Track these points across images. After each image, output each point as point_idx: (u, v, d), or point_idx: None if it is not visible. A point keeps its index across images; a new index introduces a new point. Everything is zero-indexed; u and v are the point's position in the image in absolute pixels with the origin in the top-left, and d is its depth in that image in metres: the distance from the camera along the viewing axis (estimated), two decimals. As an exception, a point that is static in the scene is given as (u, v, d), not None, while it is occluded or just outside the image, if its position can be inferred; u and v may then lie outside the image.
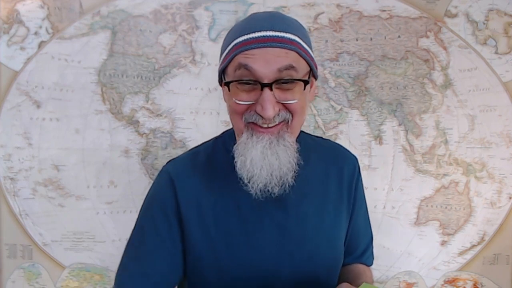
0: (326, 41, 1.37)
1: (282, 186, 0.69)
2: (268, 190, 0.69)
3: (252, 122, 0.68)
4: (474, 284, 1.42)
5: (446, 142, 1.38)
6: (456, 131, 1.38)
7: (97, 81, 1.33)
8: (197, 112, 1.36)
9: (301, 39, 0.68)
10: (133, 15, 1.33)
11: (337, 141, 1.38)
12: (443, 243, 1.40)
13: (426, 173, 1.39)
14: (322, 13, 1.36)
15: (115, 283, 0.77)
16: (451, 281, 1.42)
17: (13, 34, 1.30)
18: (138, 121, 1.34)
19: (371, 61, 1.37)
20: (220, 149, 0.79)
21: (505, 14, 1.36)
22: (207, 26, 1.34)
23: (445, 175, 1.39)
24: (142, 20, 1.33)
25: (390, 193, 1.39)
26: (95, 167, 1.33)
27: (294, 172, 0.70)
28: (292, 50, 0.66)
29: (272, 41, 0.65)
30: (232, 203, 0.74)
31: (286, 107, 0.67)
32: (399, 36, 1.37)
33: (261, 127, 0.67)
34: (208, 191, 0.74)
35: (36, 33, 1.31)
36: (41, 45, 1.31)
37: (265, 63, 0.64)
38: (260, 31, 0.66)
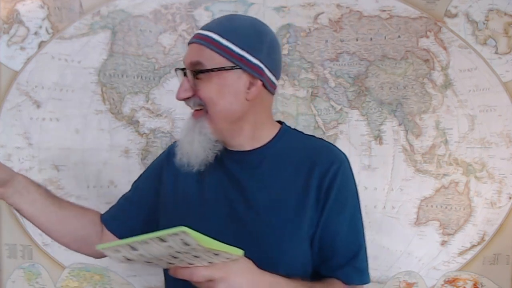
0: (326, 41, 1.37)
1: (201, 164, 0.80)
2: (190, 167, 0.80)
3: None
4: (474, 284, 1.42)
5: (446, 142, 1.38)
6: (456, 131, 1.38)
7: (97, 81, 1.33)
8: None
9: (224, 38, 0.75)
10: (133, 15, 1.33)
11: (337, 141, 1.38)
12: (443, 243, 1.40)
13: (426, 173, 1.39)
14: (322, 13, 1.36)
15: None
16: (451, 281, 1.42)
17: (13, 34, 1.30)
18: (138, 121, 1.34)
19: (371, 61, 1.37)
20: None
21: (505, 14, 1.36)
22: (207, 26, 1.34)
23: (445, 175, 1.39)
24: (142, 20, 1.33)
25: (390, 193, 1.39)
26: (95, 167, 1.33)
27: (207, 157, 0.79)
28: (203, 45, 0.76)
29: (196, 38, 0.78)
30: (209, 181, 0.84)
31: (196, 94, 0.77)
32: (399, 36, 1.37)
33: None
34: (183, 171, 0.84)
35: (36, 33, 1.31)
36: (41, 45, 1.31)
37: (187, 55, 0.78)
38: (200, 29, 0.79)
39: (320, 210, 0.78)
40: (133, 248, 0.55)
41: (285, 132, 0.86)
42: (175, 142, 0.89)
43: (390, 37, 1.37)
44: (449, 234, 1.40)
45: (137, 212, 0.91)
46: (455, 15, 1.37)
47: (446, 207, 1.39)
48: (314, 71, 1.37)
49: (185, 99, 0.78)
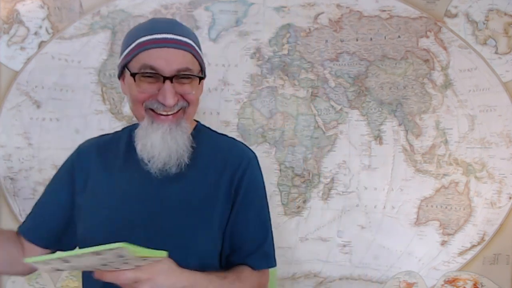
0: (326, 41, 1.37)
1: (179, 165, 0.80)
2: (167, 170, 0.80)
3: (151, 109, 0.79)
4: (474, 284, 1.42)
5: (446, 142, 1.38)
6: (456, 131, 1.38)
7: (97, 81, 1.33)
8: (197, 112, 1.36)
9: (195, 43, 0.82)
10: (133, 15, 1.33)
11: (337, 141, 1.38)
12: (443, 243, 1.40)
13: (426, 173, 1.39)
14: (322, 13, 1.36)
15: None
16: (451, 281, 1.42)
17: (13, 34, 1.30)
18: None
19: (371, 61, 1.37)
20: (125, 134, 0.90)
21: (505, 14, 1.36)
22: (207, 26, 1.34)
23: (445, 175, 1.39)
24: (142, 20, 1.32)
25: (390, 193, 1.39)
26: (95, 167, 1.33)
27: (189, 153, 0.81)
28: (188, 51, 0.79)
29: (173, 43, 0.78)
30: (114, 179, 0.85)
31: (183, 97, 0.79)
32: (399, 36, 1.37)
33: (162, 115, 0.79)
34: (97, 166, 0.87)
35: (36, 33, 1.31)
36: (41, 45, 1.31)
37: (166, 62, 0.76)
38: (162, 33, 0.78)
39: (231, 205, 0.85)
40: (65, 261, 0.57)
41: (200, 130, 0.90)
42: (84, 142, 0.93)
43: (390, 37, 1.37)
44: (449, 234, 1.40)
45: (55, 216, 0.88)
46: (455, 15, 1.37)
47: (446, 207, 1.39)
48: (314, 71, 1.37)
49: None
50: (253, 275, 0.84)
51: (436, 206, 1.39)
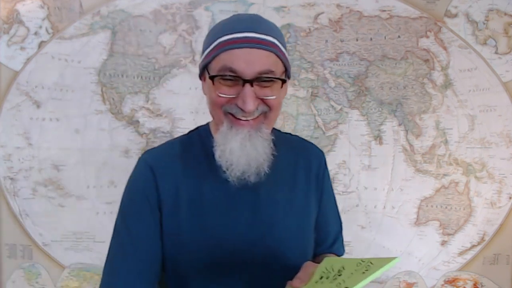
0: (326, 41, 1.37)
1: (258, 174, 0.75)
2: (245, 178, 0.74)
3: (231, 113, 0.73)
4: (474, 284, 1.42)
5: (446, 142, 1.38)
6: (456, 131, 1.38)
7: (97, 81, 1.33)
8: (197, 112, 1.36)
9: (279, 42, 0.74)
10: (133, 15, 1.33)
11: (337, 141, 1.38)
12: (443, 243, 1.40)
13: (426, 173, 1.39)
14: (322, 13, 1.36)
15: (102, 278, 0.77)
16: (451, 281, 1.42)
17: (13, 34, 1.30)
18: (138, 121, 1.34)
19: (371, 61, 1.37)
20: (196, 141, 0.83)
21: (505, 14, 1.36)
22: (207, 26, 1.34)
23: (445, 175, 1.39)
24: (142, 20, 1.33)
25: (390, 193, 1.39)
26: (95, 167, 1.33)
27: (269, 161, 0.75)
28: (271, 52, 0.72)
29: (255, 42, 0.71)
30: (208, 190, 0.78)
31: (264, 102, 0.73)
32: (399, 36, 1.37)
33: (241, 120, 0.73)
34: (185, 178, 0.78)
35: (36, 33, 1.31)
36: (41, 45, 1.31)
37: (247, 64, 0.70)
38: (244, 32, 0.71)
39: (319, 200, 0.86)
40: None
41: (277, 135, 0.85)
42: (147, 156, 0.81)
43: (390, 37, 1.37)
44: (449, 234, 1.40)
45: (155, 259, 0.77)
46: (455, 15, 1.37)
47: (446, 207, 1.39)
48: (314, 71, 1.37)
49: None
50: None
51: (436, 206, 1.39)
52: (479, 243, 1.40)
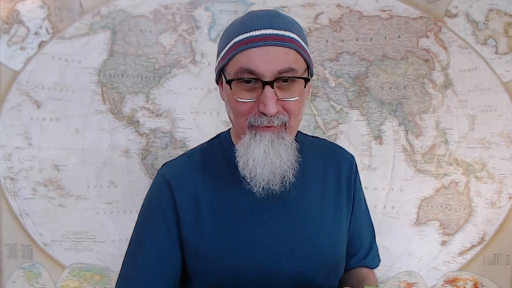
0: (326, 41, 1.37)
1: (283, 183, 0.70)
2: (270, 188, 0.69)
3: (254, 126, 0.68)
4: (474, 284, 1.42)
5: (446, 142, 1.38)
6: (456, 131, 1.38)
7: (97, 81, 1.33)
8: (197, 112, 1.36)
9: (299, 37, 0.69)
10: (133, 15, 1.33)
11: (337, 141, 1.38)
12: (443, 243, 1.40)
13: (426, 173, 1.39)
14: (322, 13, 1.36)
15: None
16: (451, 281, 1.42)
17: (13, 34, 1.30)
18: (138, 121, 1.34)
19: (371, 61, 1.37)
20: (217, 150, 0.80)
21: (505, 14, 1.36)
22: (207, 26, 1.34)
23: (445, 175, 1.39)
24: (142, 20, 1.33)
25: (390, 193, 1.39)
26: (95, 167, 1.33)
27: (294, 169, 0.70)
28: (291, 48, 0.66)
29: (273, 40, 0.65)
30: (230, 201, 0.74)
31: (284, 107, 0.68)
32: (399, 36, 1.37)
33: (263, 126, 0.68)
34: (205, 190, 0.75)
35: (36, 33, 1.31)
36: (41, 45, 1.31)
37: (266, 63, 0.65)
38: (260, 29, 0.66)
39: (351, 208, 0.82)
40: None
41: (301, 141, 0.79)
42: (165, 170, 0.78)
43: (390, 37, 1.37)
44: (449, 234, 1.40)
45: (168, 278, 0.76)
46: (455, 15, 1.37)
47: (446, 207, 1.39)
48: (314, 71, 1.37)
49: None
50: (374, 274, 0.85)
51: (436, 206, 1.39)
52: (479, 243, 1.40)
